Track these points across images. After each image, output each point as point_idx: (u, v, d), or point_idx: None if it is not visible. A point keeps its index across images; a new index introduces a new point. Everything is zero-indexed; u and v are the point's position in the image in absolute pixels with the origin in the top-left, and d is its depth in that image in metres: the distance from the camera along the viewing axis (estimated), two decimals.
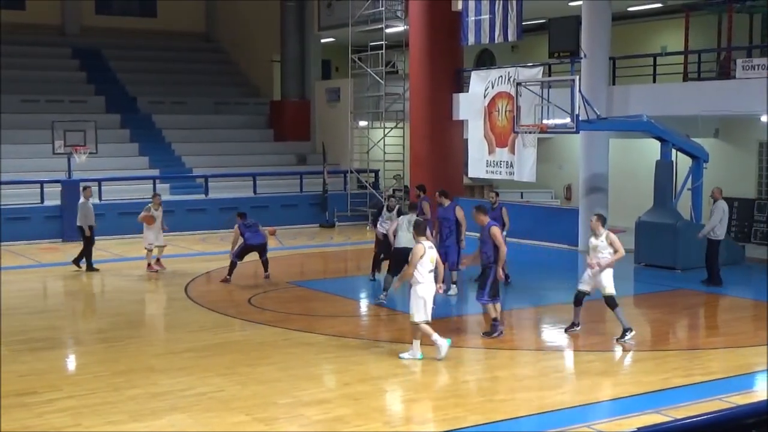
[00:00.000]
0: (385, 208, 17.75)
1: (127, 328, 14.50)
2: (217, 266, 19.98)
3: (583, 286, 13.34)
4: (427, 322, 11.96)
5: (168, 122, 30.77)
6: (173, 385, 10.97)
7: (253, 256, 18.28)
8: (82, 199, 19.87)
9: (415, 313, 11.94)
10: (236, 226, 18.31)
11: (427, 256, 11.90)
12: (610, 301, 13.04)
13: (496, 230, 13.11)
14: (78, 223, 19.53)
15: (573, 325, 13.56)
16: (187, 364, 12.00)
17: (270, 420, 9.74)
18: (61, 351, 13.16)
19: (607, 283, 12.99)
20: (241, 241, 18.20)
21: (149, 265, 19.23)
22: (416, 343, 12.01)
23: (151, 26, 35.90)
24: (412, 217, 15.21)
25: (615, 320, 15.20)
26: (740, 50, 21.55)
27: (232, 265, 18.09)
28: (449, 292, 16.44)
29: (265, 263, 18.30)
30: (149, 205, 19.48)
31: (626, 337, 12.91)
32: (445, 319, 14.15)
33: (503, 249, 13.03)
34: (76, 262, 19.63)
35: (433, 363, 12.05)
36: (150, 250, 19.24)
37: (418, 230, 12.21)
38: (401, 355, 12.05)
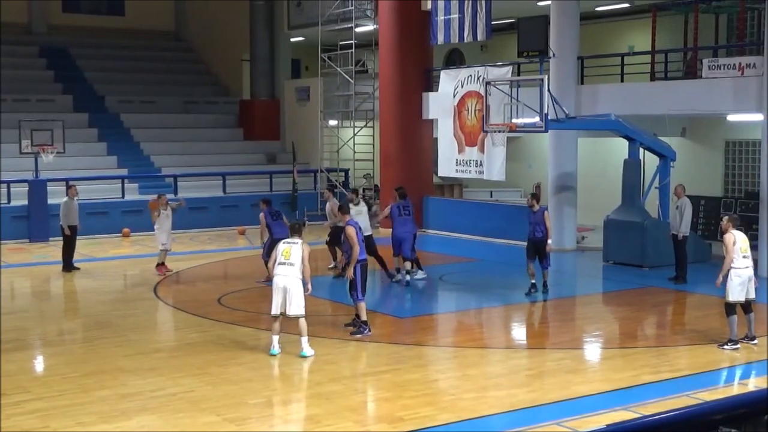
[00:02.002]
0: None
1: (95, 328, 14.39)
2: (185, 266, 19.90)
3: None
4: (281, 316, 12.15)
5: (136, 121, 30.51)
6: (143, 385, 10.91)
7: (224, 257, 18.14)
8: (66, 198, 19.65)
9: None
10: (261, 215, 17.56)
11: (278, 250, 12.32)
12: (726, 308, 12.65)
13: (350, 230, 13.31)
14: (60, 223, 19.27)
15: (744, 337, 12.70)
16: (157, 364, 11.95)
17: (241, 420, 9.72)
18: (29, 352, 13.04)
19: (727, 288, 12.54)
20: (267, 235, 17.48)
21: (158, 265, 18.84)
22: (303, 339, 12.16)
23: (119, 25, 35.56)
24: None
25: (584, 318, 15.38)
26: (706, 50, 21.76)
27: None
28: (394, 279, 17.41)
29: None
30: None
31: (726, 346, 12.52)
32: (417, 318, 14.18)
33: (356, 249, 13.19)
34: (65, 267, 19.21)
35: (405, 362, 12.07)
36: (164, 251, 18.86)
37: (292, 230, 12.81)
38: (303, 354, 12.12)
